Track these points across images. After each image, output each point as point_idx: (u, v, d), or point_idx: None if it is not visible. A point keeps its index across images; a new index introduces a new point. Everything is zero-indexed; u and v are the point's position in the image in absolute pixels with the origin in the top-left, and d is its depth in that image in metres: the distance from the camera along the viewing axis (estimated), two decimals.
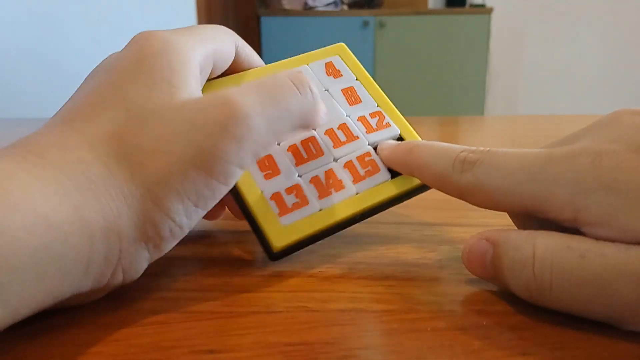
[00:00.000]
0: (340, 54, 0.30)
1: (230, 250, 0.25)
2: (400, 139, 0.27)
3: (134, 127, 0.20)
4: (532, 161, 0.20)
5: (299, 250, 0.23)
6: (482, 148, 0.22)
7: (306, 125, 0.24)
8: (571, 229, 0.19)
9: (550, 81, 3.03)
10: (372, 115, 0.27)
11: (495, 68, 2.98)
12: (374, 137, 0.26)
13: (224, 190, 0.21)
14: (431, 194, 0.32)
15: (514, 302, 0.20)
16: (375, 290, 0.21)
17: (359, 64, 0.30)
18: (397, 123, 0.27)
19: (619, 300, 0.17)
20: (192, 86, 0.22)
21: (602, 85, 3.02)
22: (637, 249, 0.17)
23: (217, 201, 0.21)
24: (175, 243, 0.21)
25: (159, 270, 0.23)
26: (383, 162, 0.25)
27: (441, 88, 2.71)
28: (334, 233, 0.24)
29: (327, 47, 0.29)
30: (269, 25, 2.69)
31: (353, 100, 0.27)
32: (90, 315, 0.19)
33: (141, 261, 0.20)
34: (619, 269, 0.17)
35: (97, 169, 0.18)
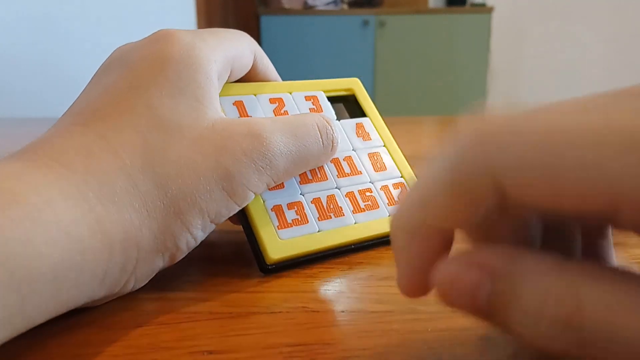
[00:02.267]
0: (354, 88, 0.30)
1: (230, 251, 0.25)
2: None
3: (161, 139, 0.20)
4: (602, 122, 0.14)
5: (288, 268, 0.23)
6: None
7: (320, 164, 0.25)
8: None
9: (550, 80, 3.03)
10: (395, 186, 0.27)
11: (496, 67, 2.98)
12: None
13: (237, 210, 0.21)
14: None
15: None
16: (376, 291, 0.21)
17: (371, 102, 0.30)
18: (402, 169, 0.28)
19: None
20: (216, 102, 0.22)
21: (603, 84, 3.01)
22: None
23: (224, 220, 0.21)
24: (185, 253, 0.21)
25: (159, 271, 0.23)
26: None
27: (442, 87, 2.71)
28: (325, 258, 0.24)
29: (341, 80, 0.30)
30: (269, 24, 2.69)
31: (379, 167, 0.28)
32: (90, 316, 0.19)
33: (154, 270, 0.20)
34: None
35: (121, 181, 0.18)
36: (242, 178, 0.21)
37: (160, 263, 0.20)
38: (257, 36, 2.73)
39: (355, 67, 2.64)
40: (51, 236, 0.16)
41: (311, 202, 0.25)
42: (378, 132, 0.29)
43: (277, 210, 0.24)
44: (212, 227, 0.21)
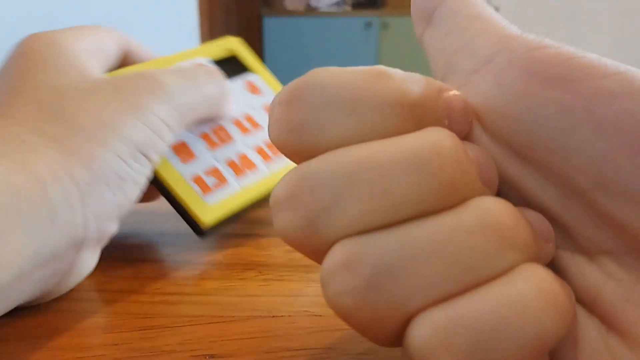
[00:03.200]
0: (235, 48, 0.31)
1: (232, 254, 0.25)
2: None
3: (54, 95, 0.21)
4: None
5: (225, 225, 0.25)
6: None
7: (218, 110, 0.26)
8: None
9: None
10: None
11: None
12: None
13: (161, 147, 0.22)
14: None
15: None
16: None
17: (256, 58, 0.31)
18: None
19: None
20: (98, 71, 0.23)
21: None
22: None
23: (157, 154, 0.22)
24: (138, 190, 0.21)
25: (160, 273, 0.23)
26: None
27: None
28: (255, 207, 0.26)
29: (221, 40, 0.30)
30: (272, 25, 2.69)
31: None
32: (90, 319, 0.19)
33: (110, 206, 0.20)
34: None
35: (28, 133, 0.19)
36: (149, 106, 0.21)
37: (111, 196, 0.20)
38: (259, 38, 2.73)
39: None
40: None
41: (226, 164, 0.26)
42: (269, 85, 0.30)
43: (197, 180, 0.25)
44: (144, 160, 0.21)
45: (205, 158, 0.26)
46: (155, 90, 0.22)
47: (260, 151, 0.27)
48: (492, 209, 0.13)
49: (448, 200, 0.13)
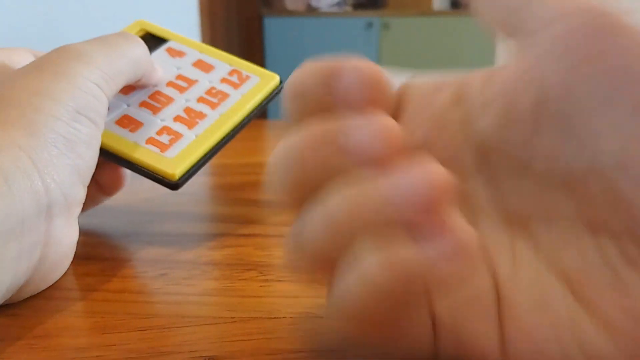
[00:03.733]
0: (144, 26, 0.32)
1: (232, 255, 0.25)
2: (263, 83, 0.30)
3: None
4: None
5: (193, 174, 0.25)
6: None
7: (144, 71, 0.26)
8: None
9: None
10: (231, 73, 0.30)
11: None
12: (242, 89, 0.29)
13: (96, 104, 0.22)
14: None
15: None
16: None
17: (167, 30, 0.32)
18: (254, 70, 0.30)
19: None
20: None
21: None
22: None
23: (98, 117, 0.22)
24: (91, 152, 0.22)
25: (160, 274, 0.23)
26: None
27: None
28: (219, 150, 0.27)
29: (130, 26, 0.32)
30: (272, 25, 2.69)
31: (207, 68, 0.30)
32: (89, 320, 0.19)
33: (67, 170, 0.20)
34: None
35: None
36: (75, 71, 0.22)
37: (66, 160, 0.20)
38: (260, 38, 2.73)
39: None
40: None
41: (174, 120, 0.27)
42: (187, 45, 0.31)
43: (151, 141, 0.26)
44: (87, 122, 0.22)
45: (152, 122, 0.27)
46: (76, 57, 0.23)
47: (203, 100, 0.28)
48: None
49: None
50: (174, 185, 0.25)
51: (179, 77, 0.29)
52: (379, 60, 2.67)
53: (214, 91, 0.29)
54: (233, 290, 0.21)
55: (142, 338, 0.18)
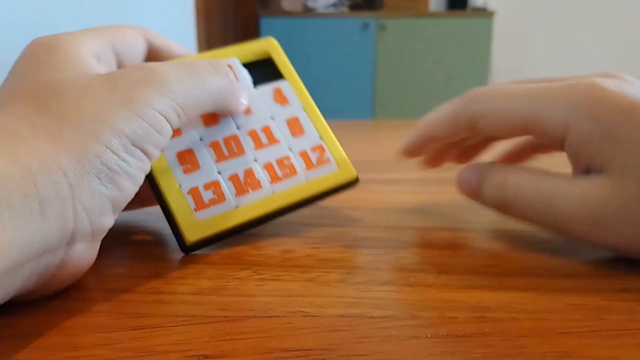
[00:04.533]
0: (270, 49, 0.30)
1: (227, 254, 0.25)
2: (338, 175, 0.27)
3: (52, 91, 0.21)
4: (533, 88, 0.24)
5: (212, 243, 0.25)
6: (475, 90, 0.26)
7: (225, 104, 0.25)
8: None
9: None
10: (314, 149, 0.28)
11: (497, 71, 2.98)
12: (313, 174, 0.27)
13: (158, 139, 0.21)
14: (434, 198, 0.32)
15: (517, 309, 0.20)
16: (375, 296, 0.21)
17: (289, 62, 0.30)
18: (335, 155, 0.28)
19: (559, 216, 0.23)
20: (99, 69, 0.23)
21: None
22: (584, 177, 0.23)
23: (155, 148, 0.22)
24: (133, 184, 0.21)
25: (154, 272, 0.23)
26: (407, 153, 0.29)
27: (442, 91, 2.71)
28: (250, 229, 0.25)
29: (257, 41, 0.30)
30: (269, 26, 2.69)
31: (297, 131, 0.28)
32: (82, 319, 0.19)
33: (101, 200, 0.20)
34: (563, 191, 0.23)
35: (17, 126, 0.19)
36: (144, 98, 0.21)
37: (103, 189, 0.20)
38: (256, 38, 2.73)
39: (356, 70, 2.65)
40: None
41: (228, 179, 0.25)
42: (298, 96, 0.29)
43: (194, 192, 0.25)
44: (140, 154, 0.21)
45: (209, 170, 0.25)
46: (151, 82, 0.21)
47: (270, 169, 0.26)
48: None
49: None
50: (184, 247, 0.24)
51: (265, 129, 0.27)
52: (375, 61, 2.67)
53: (286, 162, 0.27)
54: (227, 289, 0.21)
55: (136, 337, 0.18)
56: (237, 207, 0.25)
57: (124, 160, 0.20)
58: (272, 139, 0.27)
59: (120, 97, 0.21)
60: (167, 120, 0.22)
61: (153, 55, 0.27)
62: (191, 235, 0.23)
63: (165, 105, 0.22)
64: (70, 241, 0.19)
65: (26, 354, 0.17)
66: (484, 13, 2.69)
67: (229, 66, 0.27)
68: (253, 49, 0.29)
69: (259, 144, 0.27)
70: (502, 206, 0.25)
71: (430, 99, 2.69)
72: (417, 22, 2.68)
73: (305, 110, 0.28)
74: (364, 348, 0.17)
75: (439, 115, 0.27)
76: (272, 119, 0.27)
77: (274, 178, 0.26)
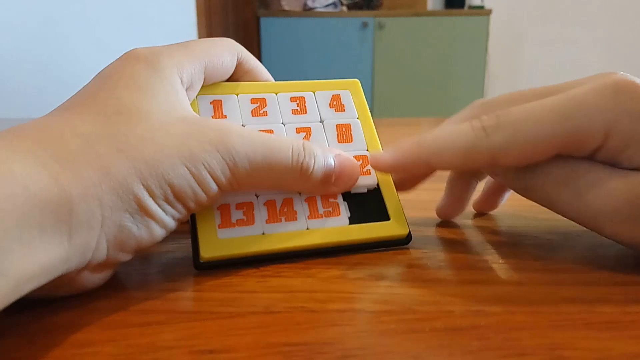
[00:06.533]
0: (351, 89, 0.29)
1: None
2: (376, 189, 0.26)
3: (125, 120, 0.20)
4: (557, 102, 0.22)
5: (228, 266, 0.23)
6: (488, 115, 0.23)
7: (283, 187, 0.24)
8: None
9: (548, 83, 3.00)
10: (357, 158, 0.26)
11: (494, 69, 2.98)
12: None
13: (202, 199, 0.21)
14: (431, 196, 0.32)
15: (512, 303, 0.20)
16: (374, 291, 0.21)
17: (366, 103, 0.29)
18: (378, 173, 0.26)
19: (590, 207, 0.21)
20: (186, 104, 0.23)
21: None
22: (621, 171, 0.21)
23: (196, 205, 0.21)
24: (164, 231, 0.21)
25: (158, 269, 0.23)
26: (387, 169, 0.25)
27: (440, 89, 2.71)
28: (271, 260, 0.24)
29: (341, 80, 0.29)
30: (269, 26, 2.69)
31: (344, 138, 0.27)
32: (88, 316, 0.19)
33: (128, 237, 0.20)
34: (598, 183, 0.21)
35: (77, 144, 0.19)
36: (206, 163, 0.21)
37: (134, 229, 0.20)
38: (256, 38, 2.73)
39: (354, 68, 2.64)
40: (11, 191, 0.16)
41: (264, 204, 0.24)
42: (365, 136, 0.27)
43: (224, 209, 0.23)
44: (180, 208, 0.21)
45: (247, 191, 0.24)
46: (220, 148, 0.21)
47: (311, 204, 0.25)
48: None
49: None
50: (197, 264, 0.23)
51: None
52: (373, 59, 2.67)
53: (331, 200, 0.25)
54: (231, 286, 0.22)
55: (141, 333, 0.18)
56: (263, 234, 0.23)
57: (162, 208, 0.20)
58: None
59: (184, 150, 0.20)
60: (218, 186, 0.21)
61: (239, 72, 0.27)
62: (206, 252, 0.22)
63: (223, 176, 0.21)
64: (85, 268, 0.19)
65: (32, 351, 0.17)
66: (481, 11, 2.69)
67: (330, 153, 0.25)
68: (334, 86, 0.29)
69: None
70: (527, 190, 0.24)
71: (428, 97, 2.69)
72: (415, 21, 2.68)
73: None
74: (364, 342, 0.18)
75: (451, 145, 0.23)
76: (322, 121, 0.27)
77: (313, 214, 0.24)
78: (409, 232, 0.25)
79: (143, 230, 0.20)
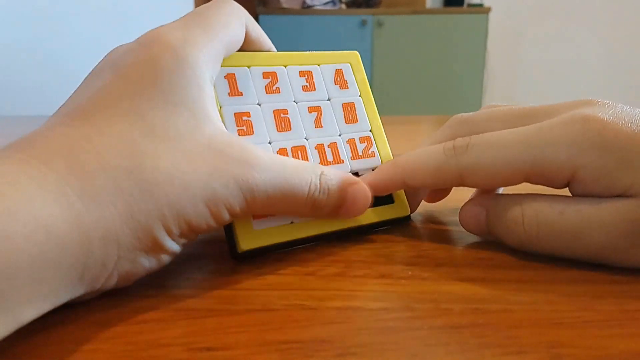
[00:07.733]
0: (352, 62, 0.30)
1: (227, 249, 0.25)
2: None
3: (152, 147, 0.20)
4: (525, 132, 0.23)
5: (263, 254, 0.24)
6: (461, 138, 0.24)
7: (298, 216, 0.25)
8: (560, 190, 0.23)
9: (547, 81, 3.04)
10: (362, 140, 0.28)
11: (493, 67, 2.98)
12: (357, 164, 0.28)
13: (212, 227, 0.21)
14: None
15: (510, 300, 0.20)
16: (372, 289, 0.21)
17: (366, 77, 0.30)
18: (381, 152, 0.29)
19: (592, 245, 0.22)
20: (212, 113, 0.22)
21: (600, 85, 3.03)
22: (609, 201, 0.21)
23: (207, 231, 0.21)
24: (169, 259, 0.21)
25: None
26: (370, 190, 0.26)
27: (439, 87, 2.71)
28: (302, 245, 0.25)
29: (342, 52, 0.30)
30: (268, 23, 2.68)
31: (350, 118, 0.29)
32: (87, 313, 0.19)
33: (139, 270, 0.20)
34: (590, 220, 0.22)
35: (103, 181, 0.18)
36: (227, 202, 0.21)
37: (145, 263, 0.20)
38: None
39: None
40: (30, 231, 0.16)
41: None
42: (367, 112, 0.29)
43: None
44: (192, 237, 0.21)
45: None
46: (243, 187, 0.21)
47: None
48: None
49: None
50: (235, 254, 0.24)
51: (332, 145, 0.28)
52: (372, 57, 2.67)
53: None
54: (228, 283, 0.22)
55: (140, 331, 0.18)
56: (292, 222, 0.25)
57: (175, 242, 0.20)
58: (337, 158, 0.27)
59: (208, 190, 0.20)
60: (230, 214, 0.21)
61: (245, 41, 0.26)
62: (245, 243, 0.23)
63: (239, 209, 0.21)
64: (90, 295, 0.20)
65: (30, 349, 0.17)
66: (480, 9, 2.69)
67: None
68: (336, 58, 0.30)
69: (323, 161, 0.27)
70: (524, 244, 0.24)
71: (427, 95, 2.69)
72: (414, 19, 2.68)
73: (374, 136, 0.29)
74: (362, 340, 0.18)
75: (423, 165, 0.25)
76: (329, 100, 0.28)
77: None
78: (409, 212, 0.29)
79: (154, 262, 0.20)
